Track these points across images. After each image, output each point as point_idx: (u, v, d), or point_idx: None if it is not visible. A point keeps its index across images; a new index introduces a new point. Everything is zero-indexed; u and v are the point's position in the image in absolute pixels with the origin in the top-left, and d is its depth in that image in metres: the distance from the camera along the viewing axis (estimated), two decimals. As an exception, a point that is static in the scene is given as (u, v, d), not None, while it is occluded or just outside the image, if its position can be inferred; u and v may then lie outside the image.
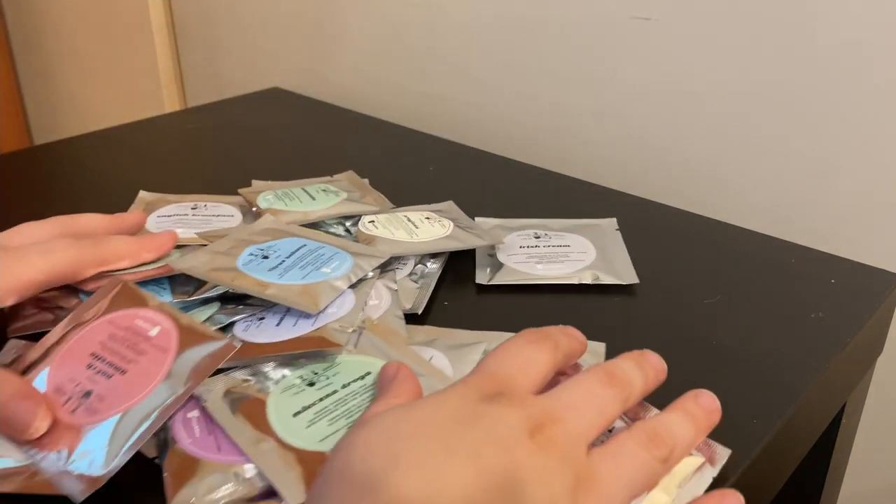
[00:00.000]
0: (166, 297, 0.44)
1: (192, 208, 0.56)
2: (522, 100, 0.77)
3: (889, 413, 0.62)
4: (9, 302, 0.40)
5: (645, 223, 0.57)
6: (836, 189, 0.61)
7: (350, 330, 0.41)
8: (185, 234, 0.51)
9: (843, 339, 0.45)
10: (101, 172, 0.68)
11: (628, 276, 0.49)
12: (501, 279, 0.49)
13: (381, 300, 0.45)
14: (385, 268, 0.48)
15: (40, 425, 0.34)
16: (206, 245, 0.48)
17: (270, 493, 0.32)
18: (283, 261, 0.45)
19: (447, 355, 0.40)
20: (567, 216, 0.57)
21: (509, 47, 0.76)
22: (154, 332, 0.39)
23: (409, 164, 0.66)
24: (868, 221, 0.60)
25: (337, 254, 0.47)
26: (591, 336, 0.36)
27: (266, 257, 0.45)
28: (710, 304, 0.48)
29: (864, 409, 0.58)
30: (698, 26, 0.64)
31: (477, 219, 0.57)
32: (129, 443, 0.34)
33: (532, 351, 0.31)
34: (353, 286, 0.44)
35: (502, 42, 0.77)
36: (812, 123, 0.60)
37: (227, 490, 0.32)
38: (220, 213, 0.56)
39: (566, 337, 0.33)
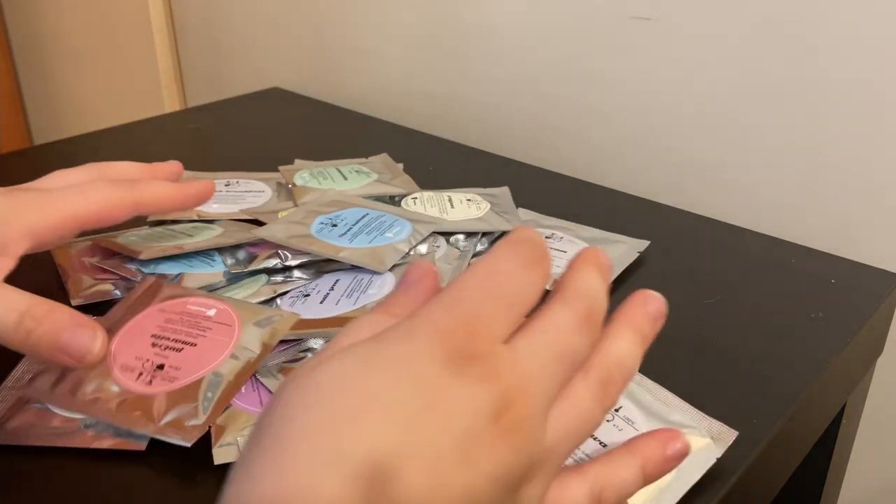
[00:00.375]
0: (219, 268, 0.47)
1: (226, 185, 0.60)
2: (523, 100, 0.77)
3: (889, 413, 0.62)
4: (47, 239, 0.38)
5: (644, 223, 0.57)
6: (836, 189, 0.60)
7: None
8: (230, 209, 0.56)
9: (843, 339, 0.45)
10: (101, 172, 0.68)
11: None
12: None
13: None
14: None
15: (100, 351, 0.34)
16: (249, 220, 0.54)
17: None
18: (350, 228, 0.50)
19: None
20: (563, 215, 0.57)
21: (509, 47, 0.76)
22: (211, 312, 0.41)
23: (409, 164, 0.66)
24: (868, 221, 0.60)
25: (397, 221, 0.52)
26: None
27: (335, 225, 0.50)
28: (710, 304, 0.48)
29: (864, 409, 0.58)
30: (698, 26, 0.64)
31: (519, 209, 0.58)
32: (217, 398, 0.36)
33: (523, 278, 0.26)
34: (401, 260, 0.48)
35: (502, 42, 0.77)
36: (812, 123, 0.60)
37: None
38: (251, 188, 0.60)
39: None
